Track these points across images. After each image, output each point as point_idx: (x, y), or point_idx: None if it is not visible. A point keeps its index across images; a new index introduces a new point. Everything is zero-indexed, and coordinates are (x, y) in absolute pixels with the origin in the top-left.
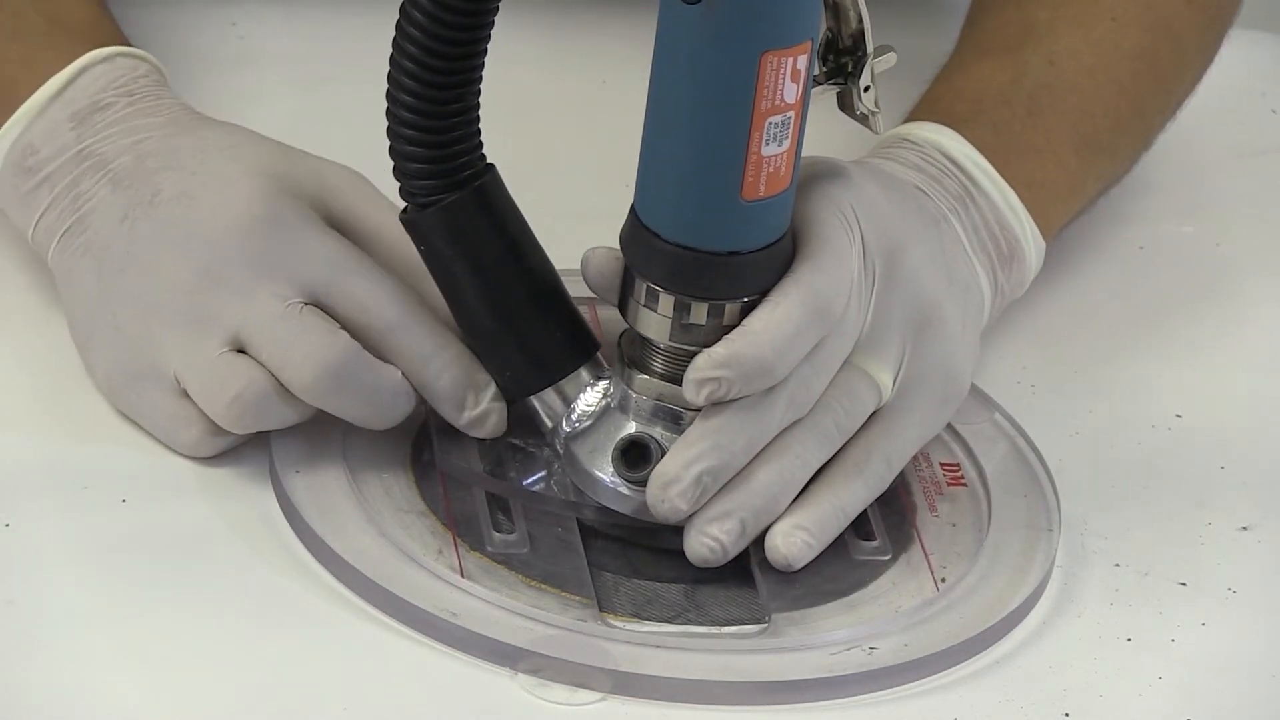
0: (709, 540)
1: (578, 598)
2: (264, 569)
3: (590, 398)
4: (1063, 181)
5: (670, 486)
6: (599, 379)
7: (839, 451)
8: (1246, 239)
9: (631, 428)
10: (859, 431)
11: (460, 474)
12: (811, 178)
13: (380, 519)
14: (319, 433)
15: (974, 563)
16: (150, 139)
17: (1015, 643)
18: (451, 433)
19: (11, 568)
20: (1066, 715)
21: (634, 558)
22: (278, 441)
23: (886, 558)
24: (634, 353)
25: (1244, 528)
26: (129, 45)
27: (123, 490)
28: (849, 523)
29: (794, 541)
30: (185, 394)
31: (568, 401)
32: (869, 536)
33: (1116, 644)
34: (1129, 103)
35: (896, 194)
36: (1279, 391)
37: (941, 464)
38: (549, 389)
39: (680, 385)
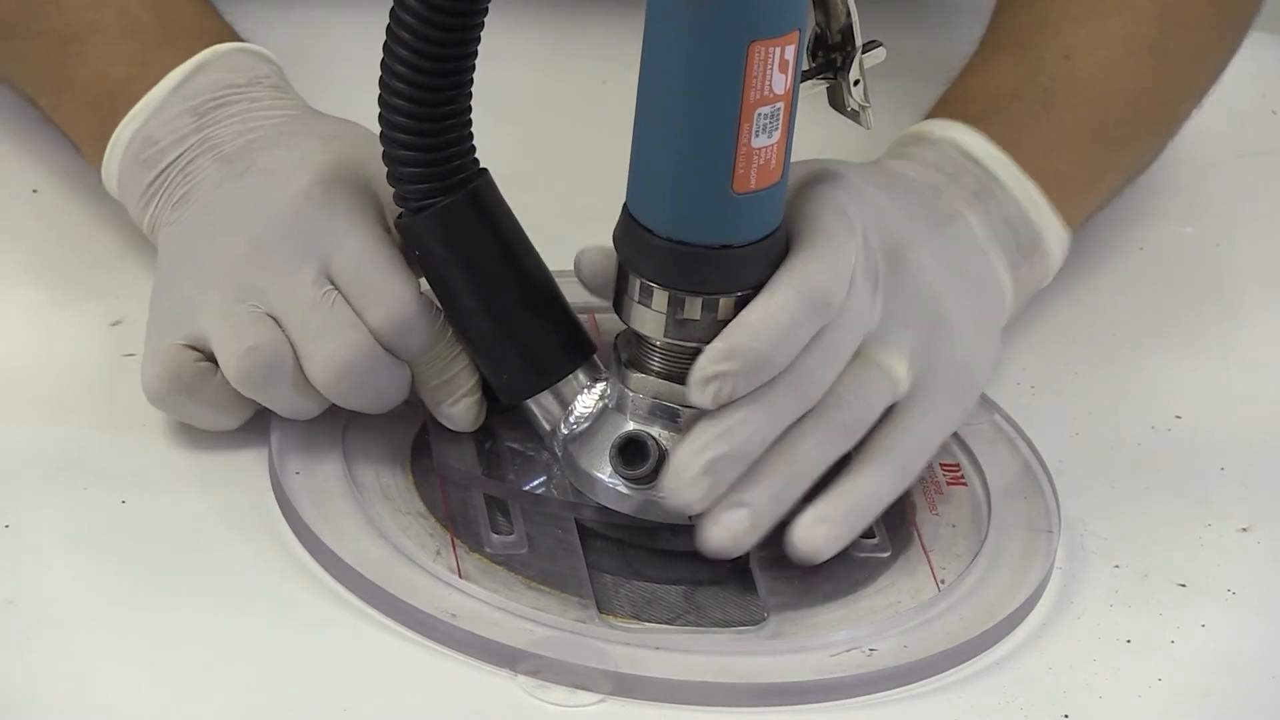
0: (721, 530)
1: (577, 599)
2: (264, 570)
3: (587, 400)
4: (1083, 173)
5: (681, 473)
6: (596, 381)
7: (861, 445)
8: (1246, 239)
9: (629, 426)
10: (879, 425)
11: (459, 477)
12: (809, 180)
13: (379, 520)
14: (318, 434)
15: (974, 564)
16: (265, 127)
17: (1015, 644)
18: (450, 435)
19: (11, 568)
20: (1066, 717)
21: (634, 559)
22: (277, 443)
23: (886, 554)
24: (630, 351)
25: (1244, 528)
26: (242, 40)
27: (123, 490)
28: (875, 516)
29: (814, 536)
30: (191, 349)
31: (565, 404)
32: (869, 534)
33: (1116, 645)
34: (1148, 95)
35: (900, 194)
36: (1279, 391)
37: (941, 464)
38: (546, 392)
39: (677, 382)
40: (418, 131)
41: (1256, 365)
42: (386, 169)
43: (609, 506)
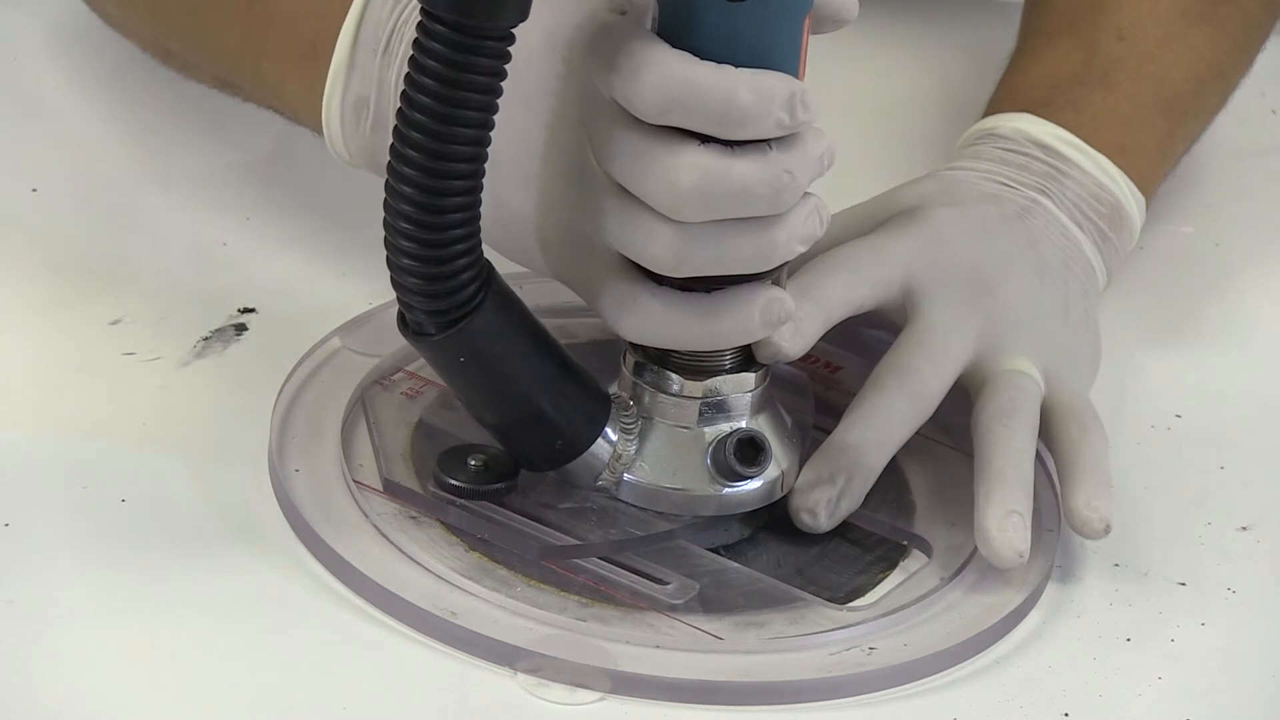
0: (1010, 538)
1: (576, 597)
2: (263, 568)
3: (626, 429)
4: (1151, 145)
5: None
6: (623, 412)
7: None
8: (1246, 239)
9: (723, 428)
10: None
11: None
12: (897, 233)
13: (379, 518)
14: (319, 432)
15: (973, 562)
16: None
17: (1015, 643)
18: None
19: (11, 568)
20: (1066, 715)
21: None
22: (277, 441)
23: (885, 557)
24: (666, 360)
25: (1244, 528)
26: None
27: (122, 490)
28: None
29: (1096, 509)
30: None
31: (611, 441)
32: (865, 536)
33: (1116, 644)
34: (1206, 65)
35: (976, 216)
36: (1279, 391)
37: None
38: (599, 438)
39: (718, 376)
40: (429, 277)
41: (1256, 365)
42: (399, 304)
43: (702, 514)
